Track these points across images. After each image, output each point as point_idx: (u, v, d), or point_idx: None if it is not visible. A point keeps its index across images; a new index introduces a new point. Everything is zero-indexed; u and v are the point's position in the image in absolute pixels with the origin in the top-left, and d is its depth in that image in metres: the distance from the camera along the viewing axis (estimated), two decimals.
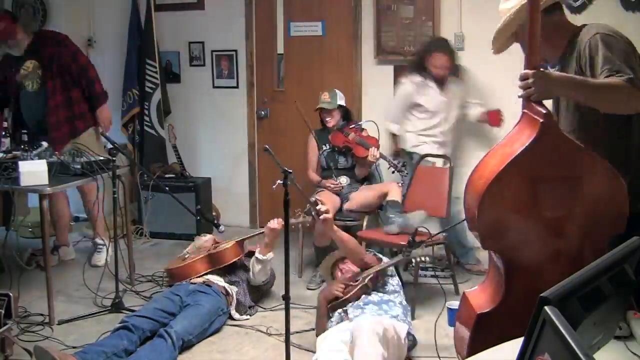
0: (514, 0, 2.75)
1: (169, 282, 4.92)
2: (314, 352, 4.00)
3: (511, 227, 2.48)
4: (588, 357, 1.08)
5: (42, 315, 4.44)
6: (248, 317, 4.54)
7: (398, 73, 6.05)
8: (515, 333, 1.93)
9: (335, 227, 4.12)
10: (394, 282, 4.08)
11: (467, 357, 2.52)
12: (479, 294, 2.69)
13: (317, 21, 6.37)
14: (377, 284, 4.00)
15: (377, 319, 3.52)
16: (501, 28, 2.82)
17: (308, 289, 5.10)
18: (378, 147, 5.36)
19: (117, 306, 4.60)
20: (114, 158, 4.66)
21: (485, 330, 2.49)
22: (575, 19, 5.32)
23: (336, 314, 3.88)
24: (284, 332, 4.17)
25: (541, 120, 2.36)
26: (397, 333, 3.43)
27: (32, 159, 4.62)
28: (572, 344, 1.11)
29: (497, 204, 2.44)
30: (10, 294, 3.89)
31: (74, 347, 3.92)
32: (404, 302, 3.99)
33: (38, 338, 4.10)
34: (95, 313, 4.56)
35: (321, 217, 4.01)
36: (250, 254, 4.81)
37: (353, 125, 5.53)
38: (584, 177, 2.43)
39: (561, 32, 2.76)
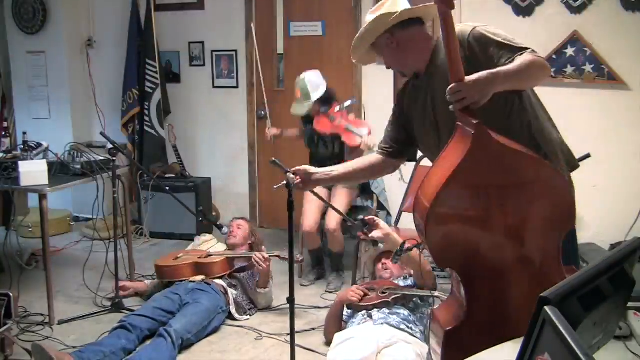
0: (374, 15, 2.76)
1: (157, 277, 4.92)
2: (316, 352, 4.02)
3: (461, 242, 2.43)
4: (588, 357, 1.08)
5: (42, 315, 4.44)
6: (248, 317, 4.55)
7: (398, 73, 6.03)
8: (486, 345, 1.92)
9: (393, 236, 3.76)
10: (423, 310, 3.93)
11: None
12: (446, 311, 2.66)
13: (317, 21, 6.38)
14: (407, 304, 3.88)
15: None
16: (357, 41, 2.85)
17: (301, 285, 5.12)
18: (370, 132, 5.04)
19: (117, 306, 4.60)
20: (114, 158, 4.66)
21: (454, 346, 2.46)
22: (575, 19, 5.36)
23: (360, 315, 3.83)
24: (283, 332, 4.21)
25: (472, 132, 2.34)
26: None
27: (32, 159, 4.62)
28: (572, 344, 1.11)
29: (443, 221, 2.39)
30: (10, 294, 3.89)
31: (73, 347, 3.91)
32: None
33: (38, 338, 4.10)
34: (95, 313, 4.56)
35: (373, 236, 3.87)
36: (242, 269, 4.78)
37: (338, 108, 5.15)
38: (525, 180, 2.39)
39: (421, 44, 2.79)
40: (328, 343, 3.90)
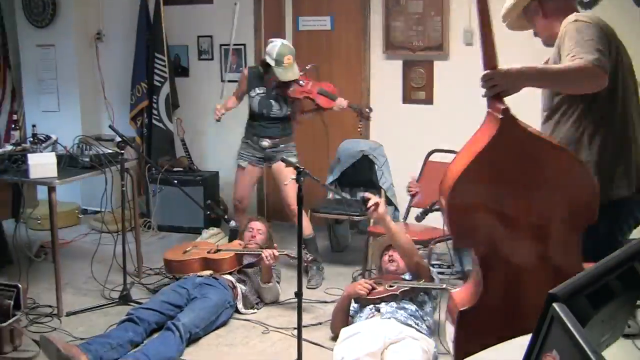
0: None
1: (167, 271, 4.95)
2: (322, 346, 4.02)
3: (481, 224, 2.47)
4: (596, 354, 1.08)
5: (50, 306, 4.46)
6: (255, 311, 4.56)
7: (407, 68, 6.05)
8: (497, 333, 1.93)
9: (388, 219, 3.96)
10: (430, 306, 3.96)
11: (455, 355, 2.54)
12: (463, 292, 2.69)
13: (326, 16, 6.37)
14: (415, 299, 3.89)
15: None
16: (508, 8, 2.95)
17: (308, 288, 5.03)
18: (336, 92, 5.12)
19: (124, 299, 4.62)
20: (122, 151, 4.67)
21: (467, 327, 2.49)
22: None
23: (367, 309, 3.83)
24: (290, 326, 4.22)
25: (500, 117, 2.37)
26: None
27: (41, 152, 4.64)
28: (581, 342, 1.11)
29: (464, 201, 2.44)
30: (19, 286, 3.92)
31: (81, 339, 3.93)
32: (430, 324, 3.88)
33: (46, 329, 4.13)
34: (103, 305, 4.59)
35: (370, 213, 3.92)
36: (250, 265, 4.79)
37: (301, 72, 5.16)
38: (550, 170, 2.43)
39: (560, 18, 2.80)
40: (334, 337, 3.91)
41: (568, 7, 2.84)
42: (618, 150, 2.73)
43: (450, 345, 2.67)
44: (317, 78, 5.32)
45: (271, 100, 5.22)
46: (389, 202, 5.73)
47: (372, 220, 4.39)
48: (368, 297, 3.84)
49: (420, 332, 3.59)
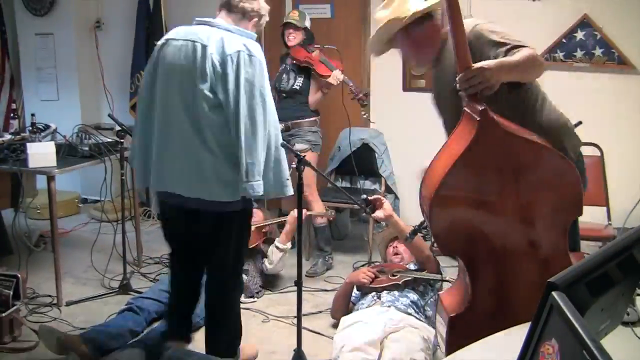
0: (386, 11, 2.81)
1: None
2: (322, 334, 4.03)
3: (466, 229, 2.42)
4: (595, 342, 1.08)
5: (50, 296, 4.47)
6: (255, 299, 4.56)
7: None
8: (489, 332, 1.92)
9: (395, 218, 3.90)
10: (431, 296, 3.94)
11: (447, 352, 2.52)
12: (451, 297, 2.66)
13: (326, 3, 6.34)
14: (416, 288, 3.90)
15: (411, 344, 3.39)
16: (373, 40, 2.98)
17: (307, 275, 5.06)
18: (342, 70, 5.18)
19: (124, 288, 4.62)
20: (122, 140, 4.66)
21: (459, 332, 2.46)
22: (586, 2, 5.30)
23: (369, 296, 3.84)
24: (290, 314, 4.22)
25: (478, 118, 2.33)
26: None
27: (40, 141, 4.63)
28: (580, 330, 1.10)
29: (447, 207, 2.39)
30: (19, 275, 3.91)
31: (81, 328, 3.94)
32: (431, 314, 3.86)
33: (46, 319, 4.13)
34: (103, 294, 4.59)
35: (376, 217, 3.86)
36: (267, 240, 4.80)
37: (318, 45, 5.33)
38: (532, 166, 2.39)
39: (434, 38, 2.84)
40: (335, 325, 3.93)
41: (433, 27, 2.85)
42: (546, 133, 2.70)
43: (440, 341, 2.67)
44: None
45: (283, 74, 5.34)
46: (389, 190, 5.73)
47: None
48: (371, 286, 3.85)
49: (420, 320, 3.60)
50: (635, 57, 5.24)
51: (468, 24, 2.63)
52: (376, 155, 5.74)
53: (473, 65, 2.40)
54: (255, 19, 3.39)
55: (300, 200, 3.33)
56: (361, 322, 3.53)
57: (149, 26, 6.67)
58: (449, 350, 2.47)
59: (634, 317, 1.95)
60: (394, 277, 3.85)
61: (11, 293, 3.84)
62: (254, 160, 3.07)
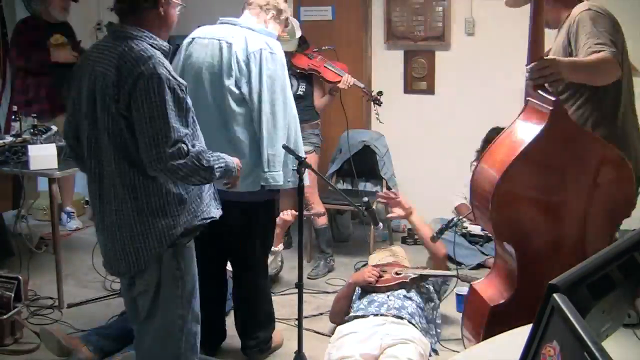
0: None
1: None
2: (323, 334, 4.02)
3: (524, 218, 2.47)
4: (596, 345, 1.08)
5: (51, 298, 4.47)
6: None
7: (408, 58, 6.03)
8: (524, 319, 1.92)
9: (416, 216, 4.03)
10: (435, 298, 3.95)
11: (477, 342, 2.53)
12: (488, 287, 2.68)
13: (327, 6, 6.34)
14: (420, 288, 3.89)
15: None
16: None
17: (309, 277, 5.04)
18: (347, 71, 5.16)
19: None
20: None
21: (499, 322, 2.47)
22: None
23: (371, 307, 3.72)
24: (291, 317, 4.21)
25: (551, 108, 2.35)
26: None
27: (41, 143, 4.63)
28: (581, 332, 1.10)
29: (510, 195, 2.44)
30: (20, 278, 3.92)
31: (83, 331, 3.93)
32: (435, 317, 3.88)
33: (47, 321, 4.13)
34: (105, 297, 4.59)
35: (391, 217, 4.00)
36: None
37: (316, 49, 5.28)
38: (594, 164, 2.43)
39: (569, 2, 2.85)
40: (332, 327, 3.95)
41: None
42: (621, 141, 2.73)
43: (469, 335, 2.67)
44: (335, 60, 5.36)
45: None
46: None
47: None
48: (377, 285, 3.84)
49: (420, 328, 3.57)
50: (636, 60, 5.22)
51: (581, 5, 2.74)
52: (377, 157, 5.74)
53: (547, 56, 2.46)
54: (273, 12, 3.55)
55: (301, 203, 3.32)
56: (356, 334, 3.46)
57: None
58: (485, 336, 2.50)
59: (635, 320, 1.95)
60: (398, 275, 3.85)
61: (12, 295, 3.84)
62: (275, 152, 3.27)
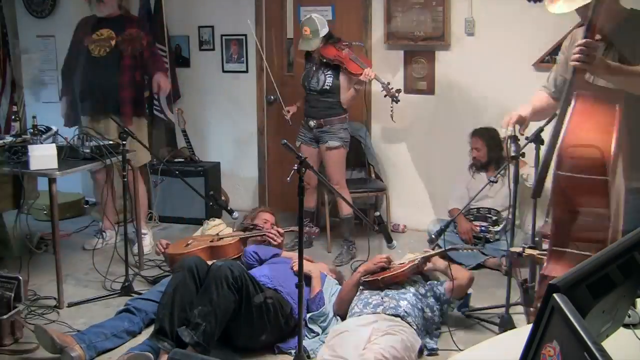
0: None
1: (169, 267, 4.85)
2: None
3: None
4: (596, 344, 1.08)
5: (51, 298, 4.46)
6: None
7: (408, 58, 6.03)
8: None
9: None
10: (438, 290, 3.97)
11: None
12: (562, 267, 2.74)
13: (327, 5, 6.33)
14: (419, 289, 3.91)
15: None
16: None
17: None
18: (371, 66, 5.27)
19: (126, 290, 4.62)
20: (123, 142, 4.65)
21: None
22: None
23: (367, 308, 3.75)
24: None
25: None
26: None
27: (41, 143, 4.63)
28: (581, 332, 1.10)
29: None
30: (20, 278, 3.92)
31: (80, 330, 3.93)
32: (435, 317, 3.90)
33: (47, 321, 4.13)
34: (104, 296, 4.59)
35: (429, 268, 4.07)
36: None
37: (346, 43, 5.41)
38: None
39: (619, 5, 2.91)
40: (336, 312, 4.01)
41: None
42: None
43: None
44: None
45: (312, 74, 5.41)
46: (378, 178, 6.09)
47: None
48: (385, 276, 3.87)
49: (414, 329, 3.59)
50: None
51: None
52: (363, 146, 6.08)
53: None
54: None
55: (301, 203, 3.31)
56: (347, 332, 3.51)
57: (150, 28, 6.66)
58: None
59: (636, 319, 1.95)
60: (403, 264, 3.92)
61: (12, 295, 3.84)
62: None
